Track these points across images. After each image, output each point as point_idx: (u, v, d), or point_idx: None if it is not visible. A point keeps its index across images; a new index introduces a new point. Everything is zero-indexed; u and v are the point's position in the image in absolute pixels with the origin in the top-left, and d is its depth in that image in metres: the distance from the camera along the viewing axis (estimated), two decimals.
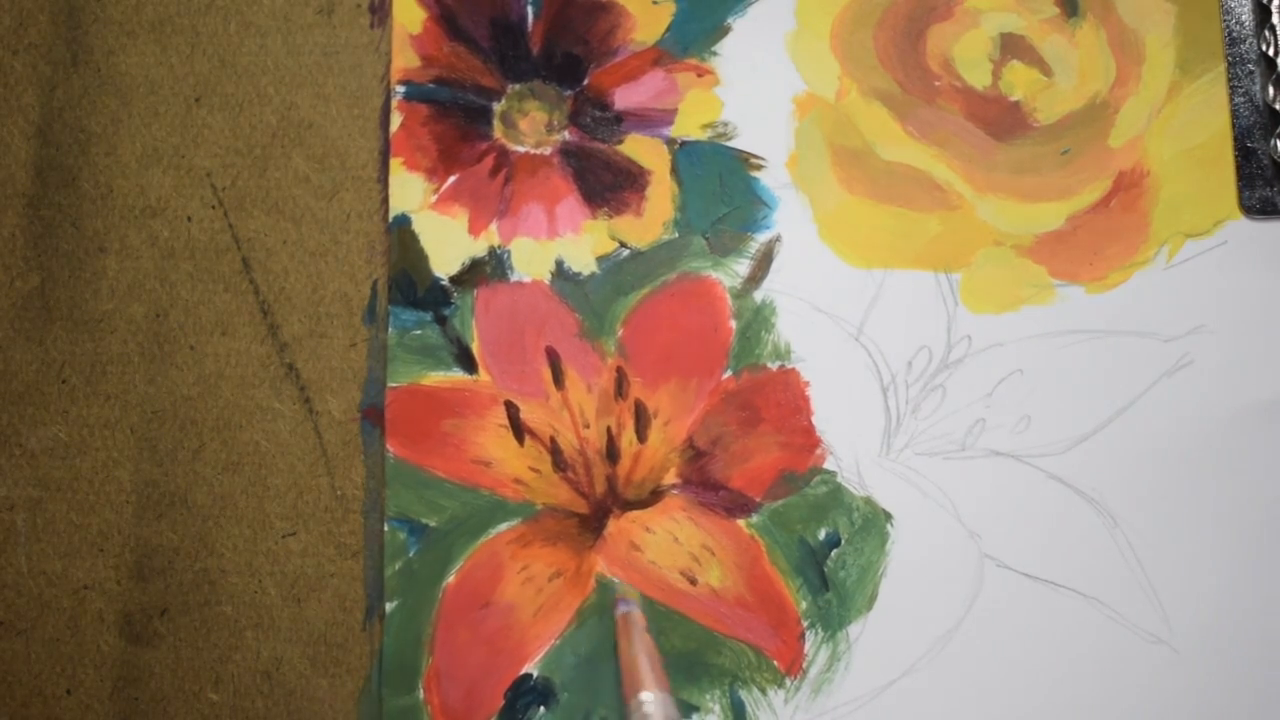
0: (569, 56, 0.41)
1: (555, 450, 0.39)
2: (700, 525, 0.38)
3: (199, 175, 0.40)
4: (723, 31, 0.41)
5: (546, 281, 0.40)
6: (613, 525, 0.38)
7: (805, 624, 0.38)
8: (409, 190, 0.40)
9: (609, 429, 0.39)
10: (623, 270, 0.40)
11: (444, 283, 0.40)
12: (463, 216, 0.40)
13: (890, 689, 0.37)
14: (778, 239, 0.40)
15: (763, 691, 0.38)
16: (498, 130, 0.40)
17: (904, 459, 0.38)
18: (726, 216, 0.40)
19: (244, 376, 0.39)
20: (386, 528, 0.38)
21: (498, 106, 0.40)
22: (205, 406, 0.39)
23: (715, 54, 0.41)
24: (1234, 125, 0.40)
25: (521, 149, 0.40)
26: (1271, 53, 0.39)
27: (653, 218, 0.40)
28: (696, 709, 0.38)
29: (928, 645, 0.38)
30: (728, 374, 0.39)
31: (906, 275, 0.39)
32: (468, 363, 0.39)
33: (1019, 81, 0.40)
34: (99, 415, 0.39)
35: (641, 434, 0.39)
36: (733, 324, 0.39)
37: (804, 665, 0.38)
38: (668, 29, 0.41)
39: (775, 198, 0.40)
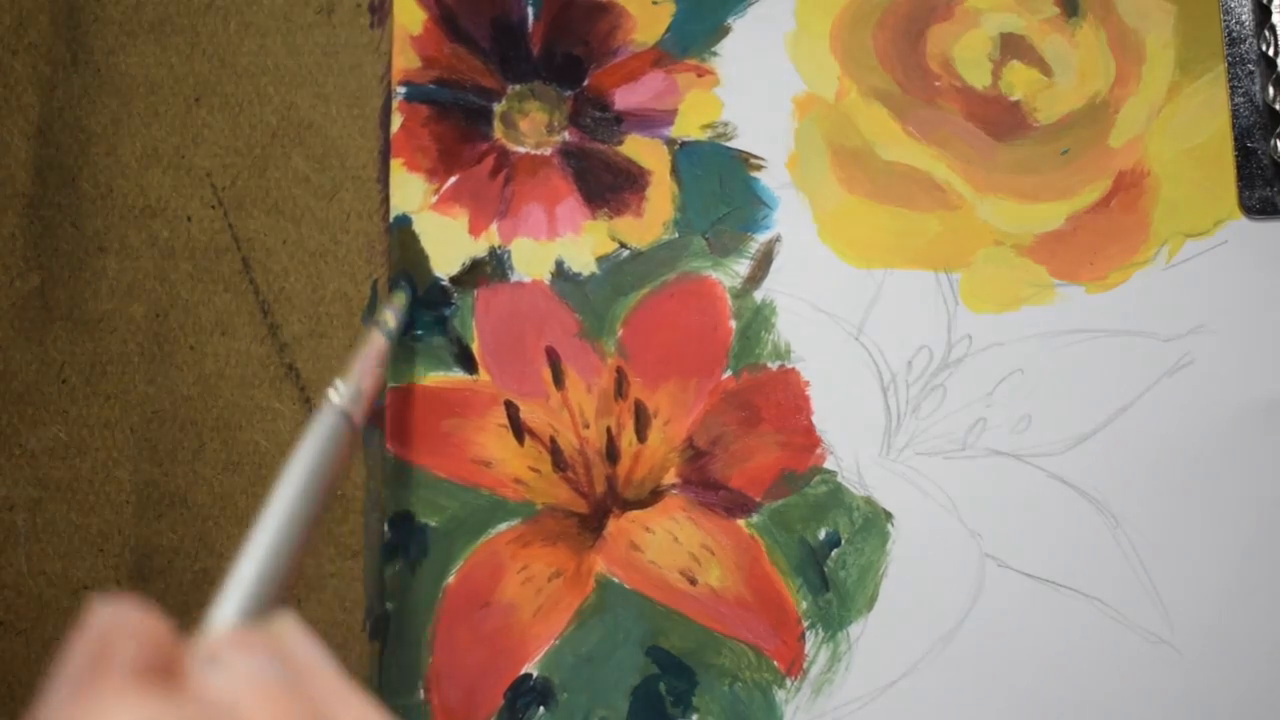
0: (569, 57, 0.41)
1: (555, 450, 0.39)
2: (700, 525, 0.38)
3: (199, 175, 0.40)
4: (723, 32, 0.41)
5: (546, 282, 0.40)
6: (612, 525, 0.38)
7: (805, 624, 0.38)
8: (409, 191, 0.40)
9: (609, 429, 0.39)
10: (623, 270, 0.40)
11: (444, 283, 0.40)
12: (463, 217, 0.40)
13: (891, 689, 0.37)
14: (778, 239, 0.40)
15: (763, 692, 0.38)
16: (498, 131, 0.40)
17: (904, 459, 0.38)
18: (726, 216, 0.40)
19: (244, 376, 0.39)
20: (386, 528, 0.38)
21: (498, 107, 0.40)
22: (205, 406, 0.39)
23: (715, 54, 0.41)
24: (1234, 125, 0.40)
25: (522, 149, 0.40)
26: (1271, 53, 0.39)
27: (653, 218, 0.40)
28: (696, 710, 0.38)
29: (929, 645, 0.38)
30: (727, 374, 0.39)
31: (906, 275, 0.39)
32: (468, 363, 0.39)
33: (1019, 81, 0.40)
34: (99, 415, 0.39)
35: (641, 434, 0.39)
36: (732, 324, 0.39)
37: (804, 665, 0.38)
38: (668, 29, 0.41)
39: (775, 198, 0.40)
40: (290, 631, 0.20)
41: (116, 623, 0.18)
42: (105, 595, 0.19)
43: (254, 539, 0.24)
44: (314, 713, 0.18)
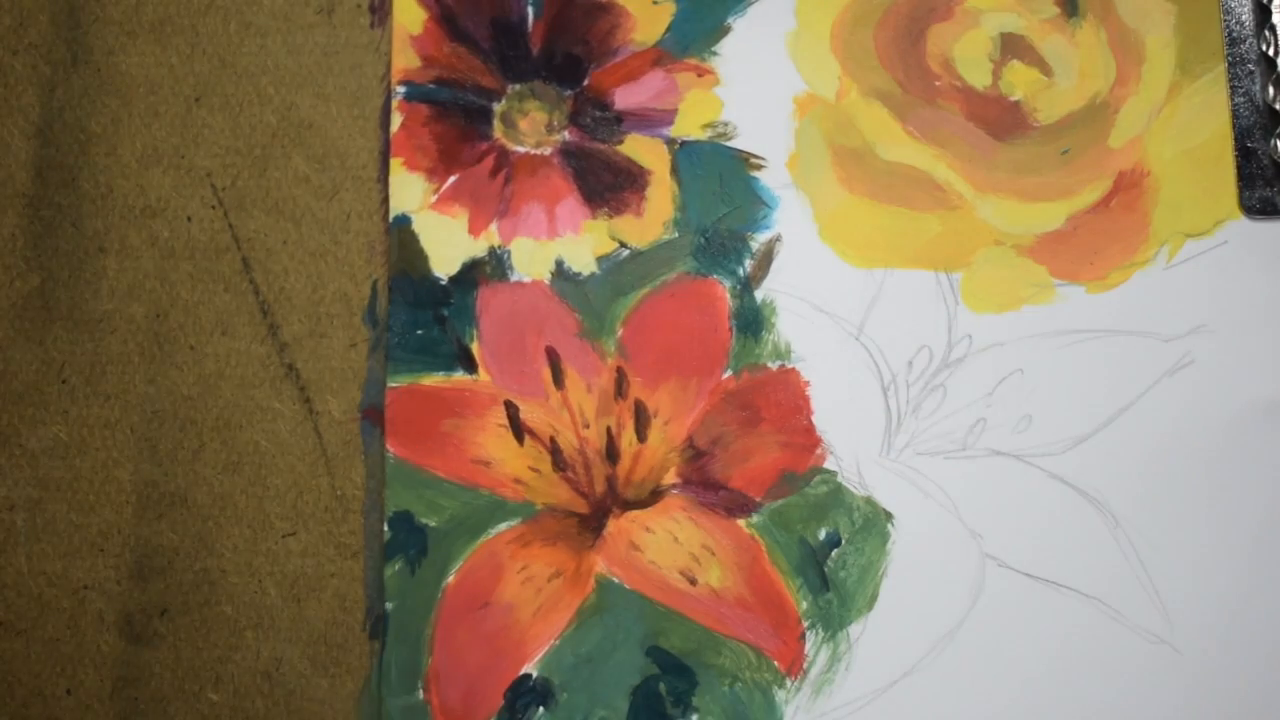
0: (569, 56, 0.41)
1: (555, 450, 0.39)
2: (700, 525, 0.38)
3: (199, 175, 0.40)
4: (723, 31, 0.41)
5: (546, 281, 0.40)
6: (612, 525, 0.38)
7: (806, 624, 0.38)
8: (409, 190, 0.40)
9: (609, 429, 0.39)
10: (623, 270, 0.40)
11: (444, 283, 0.40)
12: (463, 216, 0.40)
13: (891, 689, 0.37)
14: (778, 239, 0.40)
15: (763, 692, 0.38)
16: (498, 130, 0.40)
17: (904, 459, 0.38)
18: (726, 216, 0.40)
19: (244, 376, 0.39)
20: (386, 528, 0.38)
21: (498, 107, 0.40)
22: (205, 406, 0.39)
23: (715, 54, 0.41)
24: (1234, 125, 0.40)
25: (522, 149, 0.40)
26: (1271, 53, 0.39)
27: (653, 218, 0.40)
28: (697, 710, 0.38)
29: (929, 645, 0.38)
30: (728, 374, 0.39)
31: (907, 275, 0.39)
32: (468, 363, 0.39)
33: (1019, 81, 0.40)
34: (99, 415, 0.39)
35: (641, 434, 0.39)
36: (732, 324, 0.39)
37: (804, 666, 0.38)
38: (668, 29, 0.41)
39: (775, 198, 0.40)
40: None
41: None
42: None
43: None
44: None
